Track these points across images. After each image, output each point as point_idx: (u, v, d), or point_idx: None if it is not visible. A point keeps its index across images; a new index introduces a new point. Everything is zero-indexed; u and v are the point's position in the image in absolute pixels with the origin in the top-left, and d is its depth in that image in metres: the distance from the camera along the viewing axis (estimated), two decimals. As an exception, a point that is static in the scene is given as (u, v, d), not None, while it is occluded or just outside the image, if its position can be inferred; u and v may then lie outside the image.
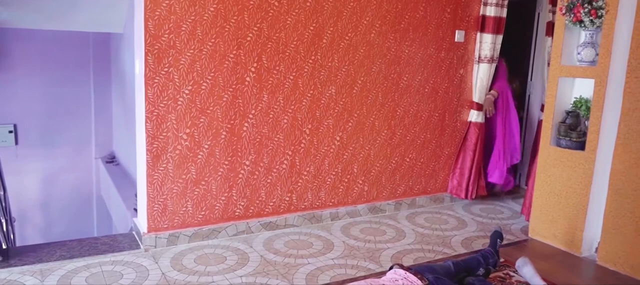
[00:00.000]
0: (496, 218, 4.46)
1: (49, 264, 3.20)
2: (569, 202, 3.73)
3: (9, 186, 4.36)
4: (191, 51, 3.35)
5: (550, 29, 4.69)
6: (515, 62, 5.08)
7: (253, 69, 3.58)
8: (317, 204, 4.06)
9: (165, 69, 3.30)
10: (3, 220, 3.77)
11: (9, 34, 5.55)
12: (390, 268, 2.81)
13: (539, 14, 5.04)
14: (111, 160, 6.61)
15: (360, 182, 4.24)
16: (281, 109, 3.74)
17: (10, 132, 6.07)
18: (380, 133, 4.24)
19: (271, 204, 3.86)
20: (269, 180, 3.81)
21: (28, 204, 6.32)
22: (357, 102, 4.06)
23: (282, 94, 3.71)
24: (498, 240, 3.35)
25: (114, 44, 6.36)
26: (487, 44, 4.44)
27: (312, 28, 3.74)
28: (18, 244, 5.09)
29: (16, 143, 6.17)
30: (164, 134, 3.37)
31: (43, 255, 3.30)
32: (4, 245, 3.47)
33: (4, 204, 3.88)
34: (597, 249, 3.62)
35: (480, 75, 4.53)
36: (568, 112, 3.84)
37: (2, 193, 3.83)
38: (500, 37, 4.47)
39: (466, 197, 4.69)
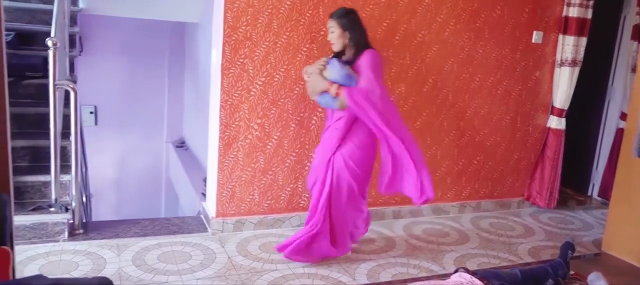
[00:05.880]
0: (566, 228, 4.28)
1: (125, 239, 3.39)
2: (649, 218, 3.53)
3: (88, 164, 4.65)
4: (266, 43, 3.42)
5: (637, 32, 4.45)
6: (596, 66, 4.84)
7: (324, 63, 3.60)
8: (380, 201, 4.05)
9: (241, 60, 3.39)
10: (84, 197, 4.02)
11: (92, 20, 5.86)
12: (455, 271, 2.78)
13: (624, 16, 4.78)
14: (181, 145, 6.87)
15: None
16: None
17: (91, 113, 6.44)
18: (448, 133, 4.17)
19: (335, 197, 3.88)
20: (334, 174, 3.83)
21: (103, 181, 6.68)
22: (426, 101, 4.01)
23: (352, 89, 3.72)
24: (569, 251, 3.23)
25: (188, 34, 6.59)
26: (570, 46, 4.25)
27: (385, 24, 3.72)
28: (93, 219, 5.42)
29: (96, 123, 6.53)
30: (236, 122, 3.47)
31: (119, 231, 3.50)
32: (83, 219, 3.70)
33: (85, 181, 4.13)
34: (678, 269, 3.40)
35: (562, 80, 4.34)
36: (653, 122, 3.62)
37: (84, 170, 4.08)
38: (583, 40, 4.26)
39: (547, 206, 4.52)
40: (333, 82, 3.02)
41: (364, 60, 3.02)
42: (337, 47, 3.12)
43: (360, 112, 3.00)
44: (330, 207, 3.16)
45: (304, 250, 3.19)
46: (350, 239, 3.37)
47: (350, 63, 3.08)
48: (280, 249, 3.25)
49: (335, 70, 3.04)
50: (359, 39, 3.08)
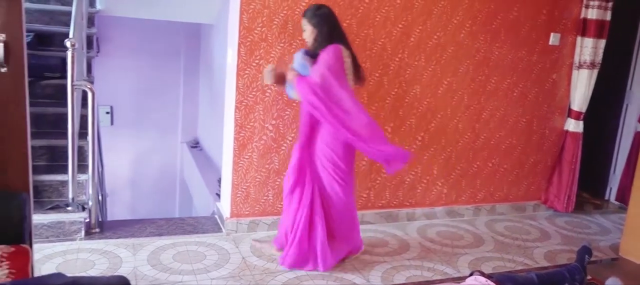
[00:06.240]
0: (583, 232, 4.23)
1: (140, 239, 3.42)
2: (668, 223, 3.47)
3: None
4: (281, 44, 3.43)
5: (656, 35, 4.39)
6: (614, 68, 4.77)
7: (339, 65, 3.60)
8: (395, 203, 4.04)
9: (256, 61, 3.40)
10: (100, 196, 4.06)
11: (109, 22, 5.93)
12: (470, 274, 2.75)
13: (644, 18, 4.72)
14: (195, 145, 6.90)
15: (440, 184, 4.17)
16: (364, 105, 3.73)
17: (108, 113, 6.51)
18: (463, 135, 4.14)
19: (349, 199, 3.87)
20: (348, 176, 3.82)
21: (118, 181, 6.74)
22: (441, 102, 3.99)
23: (367, 91, 3.71)
24: (586, 256, 3.18)
25: (204, 35, 6.63)
26: (588, 48, 4.20)
27: (400, 26, 3.71)
28: (108, 218, 5.47)
29: (112, 124, 6.60)
30: (251, 123, 3.48)
31: (135, 231, 3.53)
32: (100, 218, 3.74)
33: (101, 180, 4.17)
34: (698, 275, 3.34)
35: (581, 82, 4.29)
36: (673, 126, 3.56)
37: (100, 170, 4.11)
38: (602, 42, 4.21)
39: (564, 209, 4.47)
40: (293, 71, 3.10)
41: (322, 55, 3.00)
42: (310, 44, 3.12)
43: (307, 104, 3.01)
44: (325, 213, 3.16)
45: (306, 255, 3.16)
46: (352, 241, 3.33)
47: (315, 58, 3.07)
48: (281, 262, 3.22)
49: (295, 60, 3.13)
50: (324, 35, 3.04)
